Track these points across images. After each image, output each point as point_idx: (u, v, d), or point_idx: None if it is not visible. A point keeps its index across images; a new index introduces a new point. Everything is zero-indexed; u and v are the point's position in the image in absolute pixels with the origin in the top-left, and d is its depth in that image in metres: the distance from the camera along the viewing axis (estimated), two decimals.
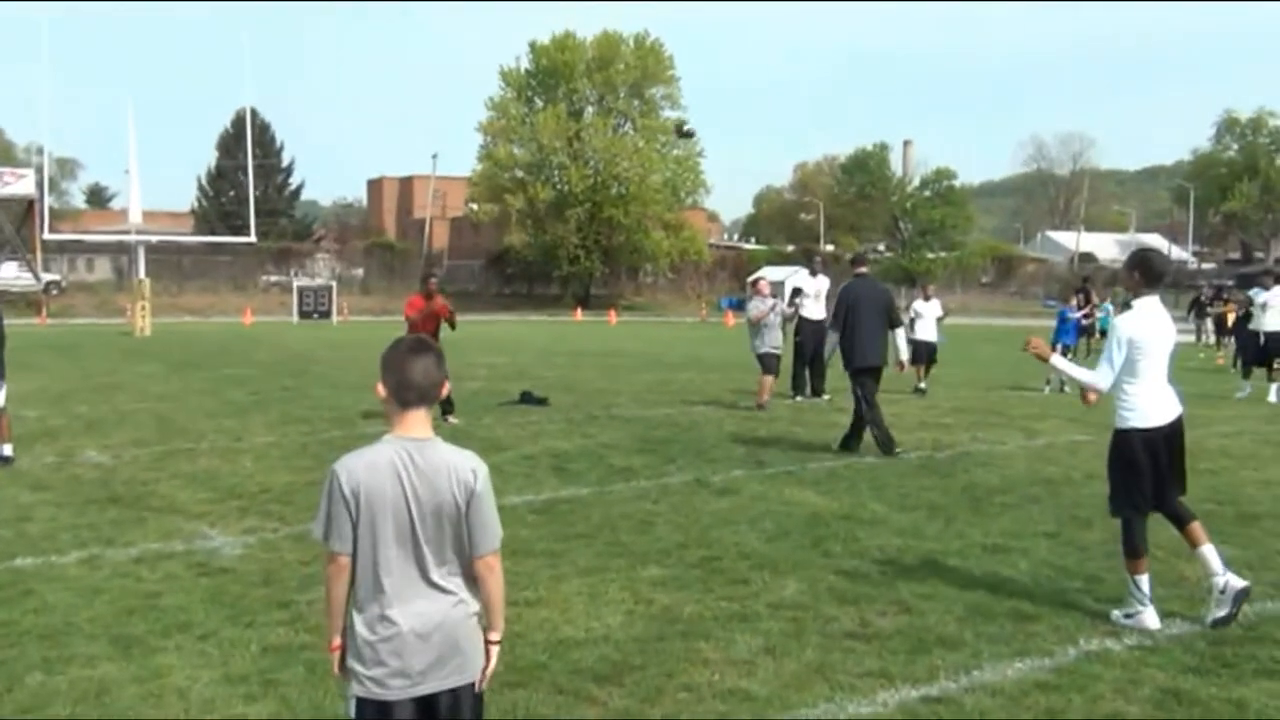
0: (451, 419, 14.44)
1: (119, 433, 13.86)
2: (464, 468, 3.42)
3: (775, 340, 16.79)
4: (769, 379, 16.56)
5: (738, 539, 8.29)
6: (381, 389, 3.47)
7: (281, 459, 11.93)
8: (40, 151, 57.92)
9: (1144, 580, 6.32)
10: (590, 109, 74.06)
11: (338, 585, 3.40)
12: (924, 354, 19.63)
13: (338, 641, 3.49)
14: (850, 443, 12.60)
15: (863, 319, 12.53)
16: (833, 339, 12.85)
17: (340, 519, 3.35)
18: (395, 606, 3.35)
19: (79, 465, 11.54)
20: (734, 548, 8.03)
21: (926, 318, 20.13)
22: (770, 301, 16.81)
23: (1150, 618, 6.25)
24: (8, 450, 11.58)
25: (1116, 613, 6.38)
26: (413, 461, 3.37)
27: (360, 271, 77.36)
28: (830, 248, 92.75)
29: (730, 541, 8.21)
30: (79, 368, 23.71)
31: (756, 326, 16.72)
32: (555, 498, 9.65)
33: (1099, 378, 6.32)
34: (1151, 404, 6.28)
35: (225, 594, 6.87)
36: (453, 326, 15.03)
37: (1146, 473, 6.28)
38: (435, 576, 3.39)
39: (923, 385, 19.23)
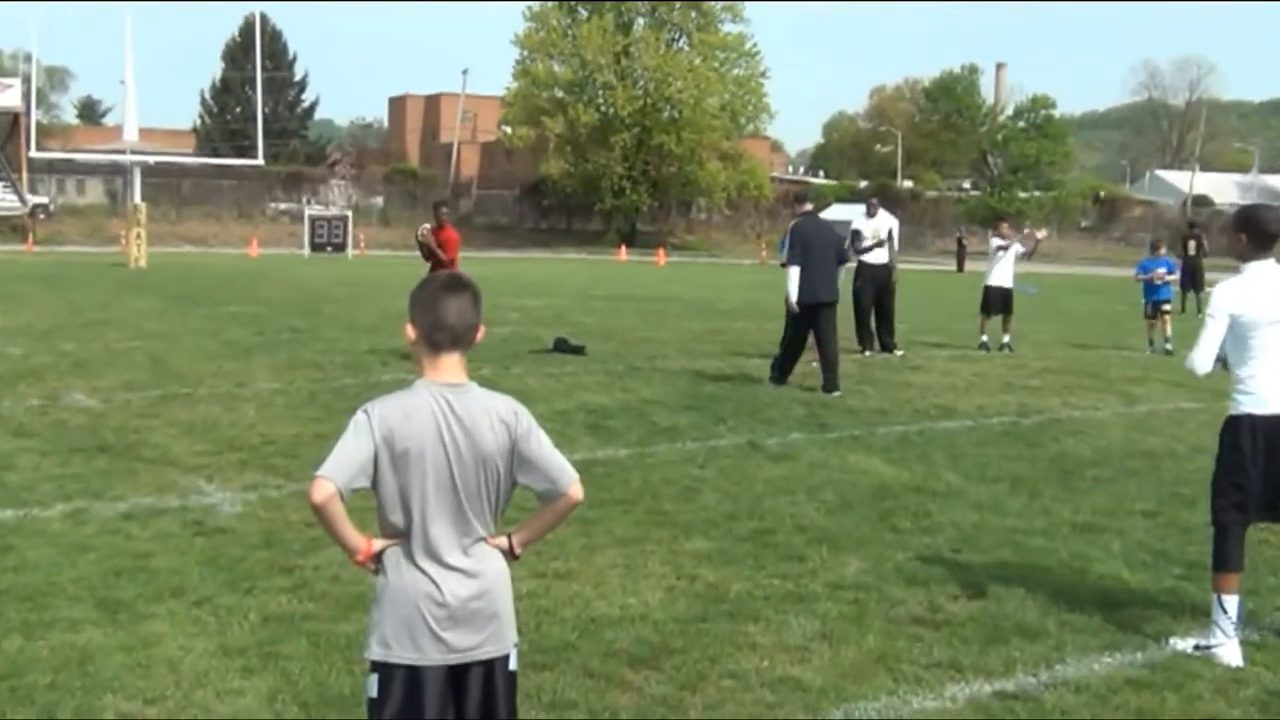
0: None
1: (110, 374, 14.04)
2: (505, 410, 3.47)
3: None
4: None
5: (794, 510, 8.30)
6: (411, 330, 3.48)
7: (287, 408, 12.05)
8: (28, 59, 58.15)
9: (1232, 603, 5.88)
10: (641, 21, 73.66)
11: (331, 505, 3.32)
12: (997, 302, 19.34)
13: (367, 543, 3.44)
14: (778, 370, 14.29)
15: (814, 255, 13.91)
16: (794, 274, 13.97)
17: (353, 455, 3.34)
18: (433, 565, 3.39)
19: (65, 409, 11.71)
20: (789, 520, 8.03)
21: (1004, 260, 19.61)
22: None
23: (1232, 653, 5.76)
24: None
25: (1185, 643, 5.91)
26: (451, 409, 3.40)
27: (380, 200, 77.64)
28: (909, 184, 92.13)
29: (785, 513, 8.22)
30: (67, 301, 24.02)
31: None
32: (590, 458, 9.67)
33: (1195, 359, 5.96)
34: (1271, 387, 5.88)
35: (223, 556, 6.96)
36: (435, 260, 15.08)
37: (1257, 470, 5.88)
38: (476, 534, 3.44)
39: (1006, 339, 19.05)
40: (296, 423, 11.21)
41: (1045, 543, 7.63)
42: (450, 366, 3.46)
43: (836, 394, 13.55)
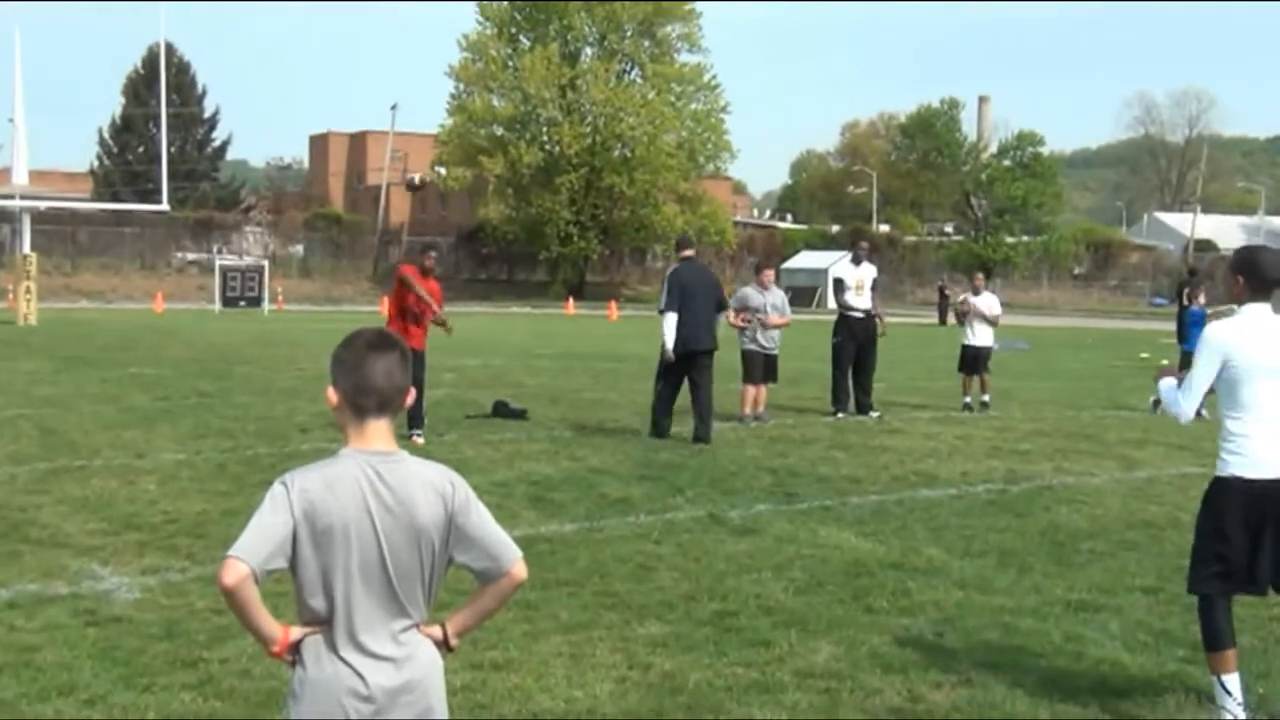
0: (417, 437, 14.43)
1: None
2: (440, 480, 3.46)
3: (767, 337, 17.10)
4: (750, 389, 17.16)
5: (759, 590, 8.29)
6: (333, 394, 3.48)
7: (193, 481, 11.95)
8: None
9: (1234, 682, 5.93)
10: (589, 50, 74.43)
11: (244, 589, 3.27)
12: (975, 361, 19.51)
13: (284, 633, 3.40)
14: (656, 427, 15.15)
15: (693, 302, 14.93)
16: (670, 320, 14.91)
17: (269, 533, 3.31)
18: (357, 655, 3.36)
19: None
20: (754, 601, 8.03)
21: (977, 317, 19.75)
22: (761, 300, 17.14)
23: None
24: None
25: None
26: (381, 479, 3.39)
27: (300, 249, 77.70)
28: (885, 228, 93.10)
29: (749, 593, 8.21)
30: None
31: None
32: (533, 534, 9.64)
33: (1180, 404, 6.03)
34: (1264, 447, 5.90)
35: (119, 649, 6.87)
36: (441, 323, 14.98)
37: (1244, 538, 5.89)
38: (407, 619, 3.42)
39: (985, 398, 19.24)
40: (203, 498, 11.12)
41: (1036, 623, 7.66)
42: (378, 433, 3.45)
43: (706, 446, 14.45)
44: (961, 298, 20.94)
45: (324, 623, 3.38)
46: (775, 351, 17.35)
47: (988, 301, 19.88)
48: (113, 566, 8.69)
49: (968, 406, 19.15)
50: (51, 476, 12.07)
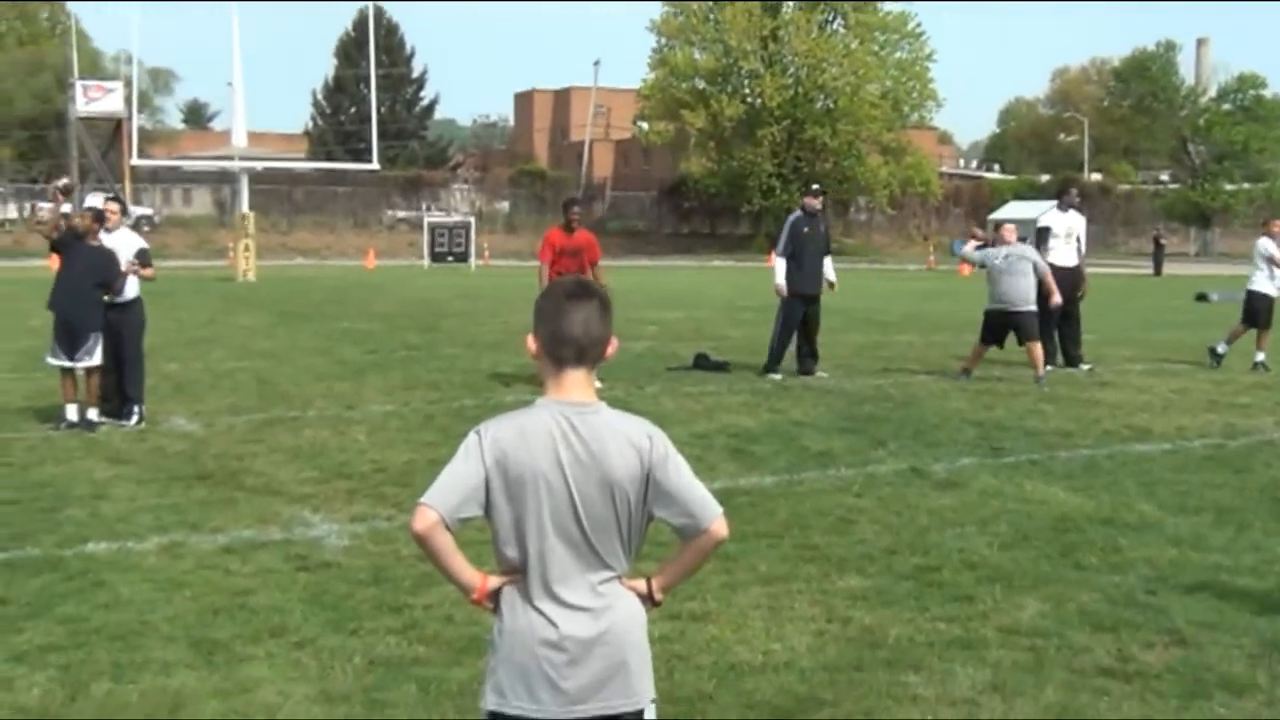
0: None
1: (212, 396, 14.42)
2: (637, 433, 3.40)
3: (1010, 292, 16.04)
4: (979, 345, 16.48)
5: (963, 545, 8.13)
6: (532, 343, 3.47)
7: (401, 432, 12.22)
8: (130, 61, 60.35)
9: None
10: (790, 2, 73.49)
11: (435, 536, 3.32)
12: (1263, 312, 17.79)
13: (482, 581, 3.43)
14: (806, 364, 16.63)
15: (806, 250, 16.44)
16: (780, 264, 16.54)
17: (460, 481, 3.33)
18: (552, 605, 3.35)
19: (164, 434, 12.05)
20: (957, 555, 7.87)
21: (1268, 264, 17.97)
22: (1003, 251, 16.09)
23: None
24: (93, 414, 12.24)
25: None
26: (574, 430, 3.36)
27: (505, 205, 78.74)
28: (1097, 176, 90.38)
29: (953, 547, 8.06)
30: (171, 318, 24.69)
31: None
32: (733, 487, 9.61)
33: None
34: None
35: (327, 594, 7.06)
36: (595, 279, 15.12)
37: None
38: (606, 571, 3.39)
39: (1260, 358, 17.68)
40: (410, 448, 11.36)
41: (1254, 582, 7.35)
42: (575, 384, 3.42)
43: (812, 377, 16.22)
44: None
45: (520, 572, 3.38)
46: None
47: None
48: (323, 514, 8.94)
49: (1260, 365, 17.62)
50: (267, 427, 12.46)
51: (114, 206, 13.20)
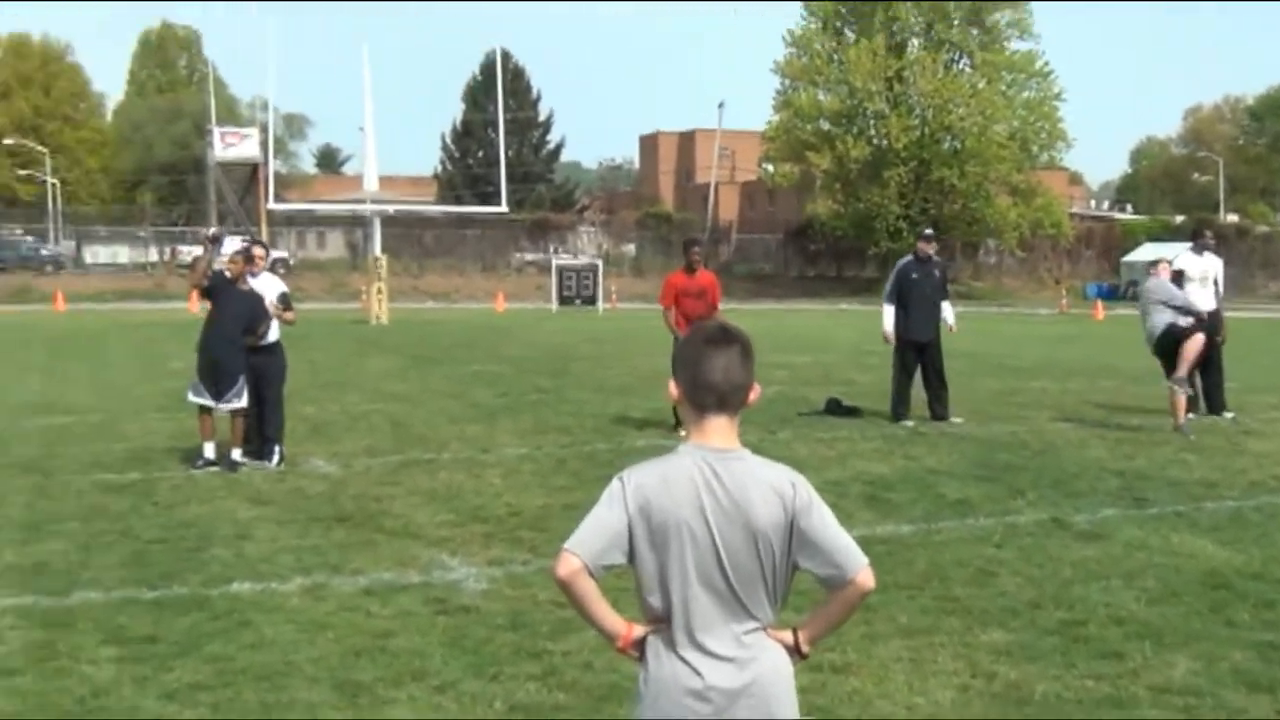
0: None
1: (349, 439, 14.63)
2: (780, 481, 3.39)
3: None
4: (1180, 397, 15.43)
5: (1108, 599, 7.94)
6: (674, 388, 3.48)
7: (534, 475, 12.29)
8: (266, 107, 61.87)
9: None
10: (915, 41, 73.17)
11: (578, 582, 3.34)
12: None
13: (627, 629, 3.43)
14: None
15: (912, 295, 16.18)
16: (888, 311, 16.34)
17: (604, 528, 3.34)
18: (697, 654, 3.33)
19: (303, 476, 12.25)
20: (1103, 610, 7.69)
21: None
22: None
23: None
24: (236, 455, 12.50)
25: None
26: (717, 477, 3.35)
27: (631, 248, 79.09)
28: (1233, 217, 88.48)
29: (1098, 602, 7.87)
30: (306, 360, 25.11)
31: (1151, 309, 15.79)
32: (869, 535, 9.50)
33: None
34: None
35: (467, 638, 7.10)
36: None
37: None
38: (751, 621, 3.37)
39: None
40: (544, 492, 11.41)
41: None
42: (718, 430, 3.41)
43: (945, 422, 15.94)
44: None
45: (664, 620, 3.37)
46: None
47: None
48: (460, 557, 9.00)
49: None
50: (403, 469, 12.61)
51: (260, 251, 13.49)
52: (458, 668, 6.60)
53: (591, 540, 3.34)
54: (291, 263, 67.91)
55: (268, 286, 13.08)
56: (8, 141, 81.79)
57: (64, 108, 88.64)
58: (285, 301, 13.11)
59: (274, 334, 13.04)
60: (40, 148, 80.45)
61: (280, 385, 13.13)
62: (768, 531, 3.32)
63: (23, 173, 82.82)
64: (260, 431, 12.94)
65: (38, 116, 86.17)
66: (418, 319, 44.69)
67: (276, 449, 12.88)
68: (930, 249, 16.57)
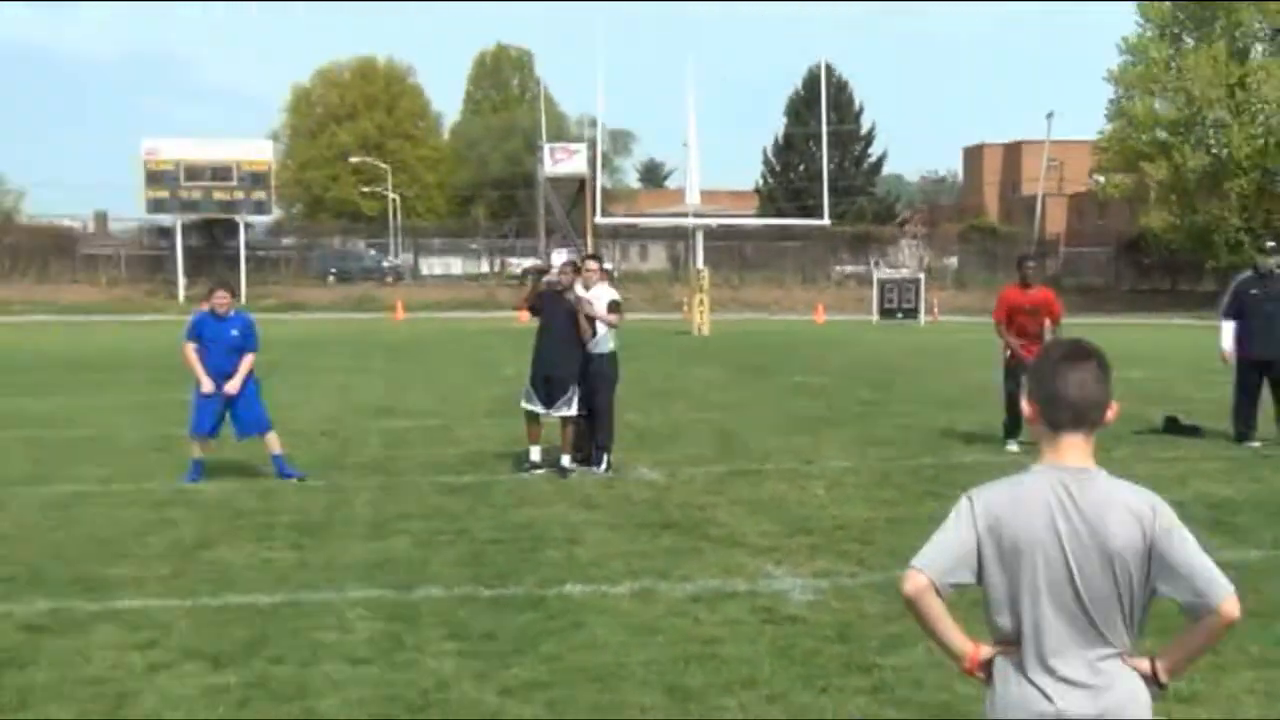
0: (1012, 445, 14.18)
1: (673, 447, 14.83)
2: (1138, 503, 3.27)
3: None
4: None
5: None
6: (1027, 406, 3.40)
7: (859, 488, 12.18)
8: (593, 124, 63.33)
9: None
10: (1259, 47, 69.51)
11: (925, 600, 3.29)
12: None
13: (974, 649, 3.37)
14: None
15: (1260, 309, 15.14)
16: (1225, 327, 15.49)
17: (952, 547, 3.30)
18: (1048, 678, 3.24)
19: (630, 483, 12.48)
20: None
21: None
22: None
23: None
24: (566, 461, 12.84)
25: None
26: (1071, 498, 3.26)
27: (953, 261, 77.71)
28: None
29: None
30: (633, 369, 25.50)
31: None
32: (1216, 560, 9.02)
33: None
34: None
35: (795, 648, 7.07)
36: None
37: None
38: (1105, 648, 3.26)
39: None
40: (869, 505, 11.29)
41: None
42: (1072, 449, 3.32)
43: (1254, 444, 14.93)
44: None
45: (1013, 642, 3.29)
46: None
47: None
48: (786, 567, 8.99)
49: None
50: (727, 478, 12.69)
51: (593, 265, 13.78)
52: (787, 678, 6.58)
53: (939, 558, 3.29)
54: (615, 275, 69.32)
55: (601, 296, 13.36)
56: (354, 160, 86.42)
57: (405, 126, 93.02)
58: (614, 308, 13.36)
59: (608, 344, 13.31)
60: (383, 165, 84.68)
61: (611, 394, 13.39)
62: (1124, 555, 3.21)
63: (366, 189, 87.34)
64: (591, 438, 13.24)
65: (381, 135, 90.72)
66: (738, 330, 45.02)
67: (605, 457, 13.15)
68: (1272, 263, 15.65)
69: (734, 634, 7.35)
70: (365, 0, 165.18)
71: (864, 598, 8.07)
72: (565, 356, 12.82)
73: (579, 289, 13.08)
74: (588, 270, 13.55)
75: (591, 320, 12.90)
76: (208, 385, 12.25)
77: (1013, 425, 14.33)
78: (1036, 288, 15.18)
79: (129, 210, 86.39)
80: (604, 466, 13.05)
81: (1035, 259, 16.74)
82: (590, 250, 60.40)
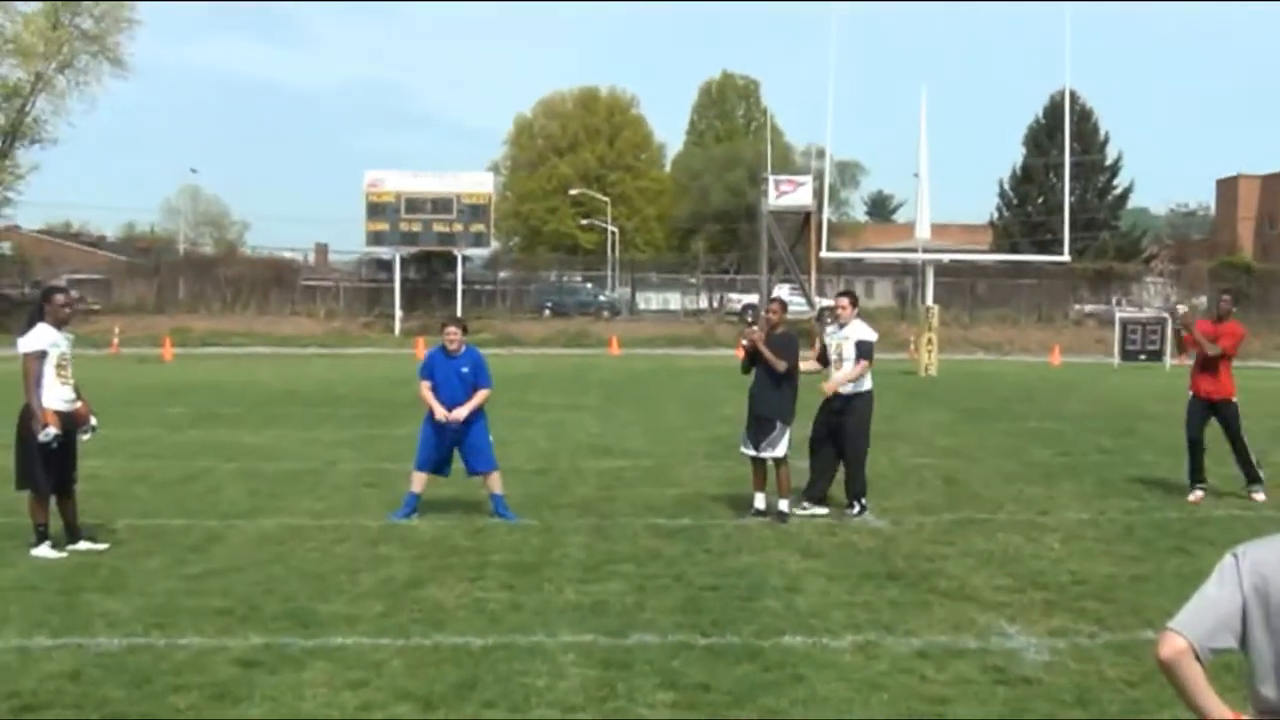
0: (1256, 494, 13.93)
1: (899, 493, 14.64)
2: None
3: None
4: None
5: None
6: None
7: (1099, 542, 11.84)
8: (821, 155, 63.26)
9: None
10: None
11: (1183, 665, 3.19)
12: None
13: (1231, 718, 3.26)
14: None
15: None
16: None
17: (1214, 608, 3.19)
18: None
19: (853, 530, 12.35)
20: None
21: None
22: None
23: None
24: (784, 505, 12.79)
25: None
26: None
27: (1203, 300, 75.16)
28: None
29: None
30: None
31: None
32: None
33: None
34: None
35: (1029, 711, 6.92)
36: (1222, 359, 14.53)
37: None
38: None
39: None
40: (1110, 560, 10.96)
41: None
42: None
43: None
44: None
45: (1278, 713, 3.14)
46: None
47: None
48: (1020, 624, 8.79)
49: None
50: (956, 528, 12.48)
51: (844, 301, 13.74)
52: None
53: (1199, 620, 3.18)
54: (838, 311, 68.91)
55: (853, 334, 13.32)
56: (574, 192, 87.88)
57: (626, 158, 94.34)
58: (861, 349, 13.24)
59: (863, 384, 13.28)
60: (602, 197, 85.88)
61: (861, 437, 13.28)
62: None
63: (585, 221, 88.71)
64: (847, 485, 13.23)
65: (602, 167, 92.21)
66: (968, 370, 44.28)
67: (858, 502, 13.08)
68: None
69: (963, 694, 7.21)
70: (590, 30, 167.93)
71: (1103, 659, 7.84)
72: (771, 395, 12.78)
73: (824, 327, 13.09)
74: (840, 307, 13.55)
75: (777, 353, 12.82)
76: (440, 413, 12.54)
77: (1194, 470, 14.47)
78: (1229, 322, 14.87)
79: (351, 243, 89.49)
80: (857, 510, 12.99)
81: (1234, 293, 16.26)
82: (812, 286, 60.32)
